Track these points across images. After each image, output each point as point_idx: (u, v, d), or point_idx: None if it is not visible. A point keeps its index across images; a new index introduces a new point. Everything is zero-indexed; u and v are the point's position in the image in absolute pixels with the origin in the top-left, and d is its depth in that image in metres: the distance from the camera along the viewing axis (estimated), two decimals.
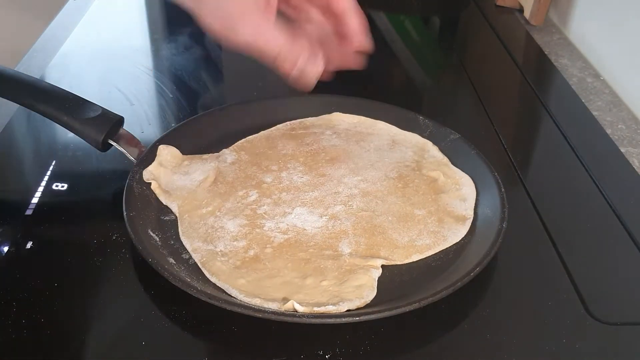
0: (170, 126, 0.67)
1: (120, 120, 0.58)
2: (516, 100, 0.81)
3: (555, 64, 0.86)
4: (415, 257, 0.51)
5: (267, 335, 0.44)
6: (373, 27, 1.01)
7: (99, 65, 0.81)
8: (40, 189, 0.57)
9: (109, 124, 0.57)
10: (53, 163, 0.60)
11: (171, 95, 0.74)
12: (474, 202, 0.56)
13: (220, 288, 0.46)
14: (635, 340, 0.46)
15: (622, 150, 0.68)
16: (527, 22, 0.98)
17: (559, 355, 0.44)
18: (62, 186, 0.57)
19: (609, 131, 0.71)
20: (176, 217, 0.53)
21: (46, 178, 0.58)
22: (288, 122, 0.66)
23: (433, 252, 0.51)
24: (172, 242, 0.51)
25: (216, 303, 0.43)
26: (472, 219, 0.54)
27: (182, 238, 0.51)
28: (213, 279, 0.47)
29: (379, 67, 0.89)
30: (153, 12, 1.03)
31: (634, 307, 0.49)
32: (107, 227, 0.52)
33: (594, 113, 0.74)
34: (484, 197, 0.56)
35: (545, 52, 0.89)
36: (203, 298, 0.43)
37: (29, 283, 0.47)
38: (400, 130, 0.66)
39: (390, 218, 0.54)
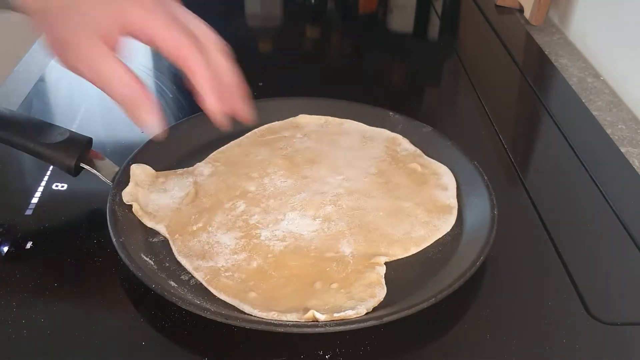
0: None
1: (89, 142, 0.55)
2: (516, 100, 0.81)
3: (555, 64, 0.86)
4: (414, 250, 0.51)
5: (267, 335, 0.44)
6: (372, 26, 1.01)
7: None
8: (40, 189, 0.57)
9: (80, 147, 0.54)
10: None
11: (171, 95, 0.74)
12: (455, 190, 0.57)
13: (230, 305, 0.45)
14: (635, 340, 0.46)
15: (622, 150, 0.68)
16: (527, 22, 0.98)
17: (559, 355, 0.44)
18: (62, 186, 0.57)
19: (609, 131, 0.71)
20: (164, 238, 0.51)
21: (46, 178, 0.58)
22: (255, 129, 0.65)
23: (429, 243, 0.52)
24: (168, 265, 0.49)
25: (235, 323, 0.43)
26: (457, 206, 0.55)
27: (179, 258, 0.49)
28: (222, 296, 0.46)
29: (379, 67, 0.89)
30: None
31: (634, 307, 0.49)
32: (107, 227, 0.52)
33: (594, 113, 0.74)
34: (466, 186, 0.57)
35: (545, 52, 0.89)
36: (219, 319, 0.43)
37: (29, 283, 0.47)
38: (369, 127, 0.66)
39: (381, 214, 0.54)
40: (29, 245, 0.51)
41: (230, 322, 0.43)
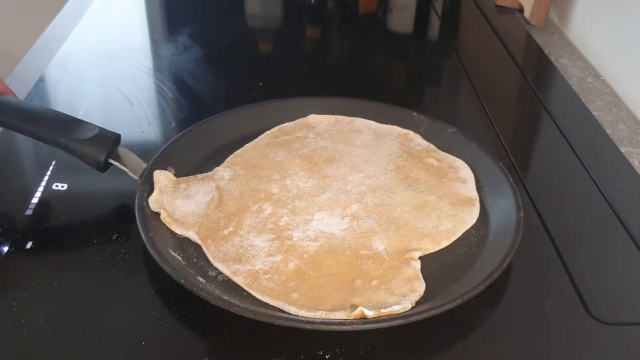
0: (170, 126, 0.67)
1: (117, 138, 0.56)
2: (516, 100, 0.81)
3: (555, 64, 0.86)
4: (445, 243, 0.52)
5: (267, 335, 0.44)
6: (372, 26, 1.01)
7: (99, 65, 0.81)
8: (40, 189, 0.57)
9: (109, 143, 0.54)
10: (53, 163, 0.60)
11: (171, 95, 0.74)
12: (474, 182, 0.58)
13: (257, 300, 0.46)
14: (635, 340, 0.46)
15: (622, 150, 0.68)
16: (527, 22, 0.98)
17: (559, 355, 0.44)
18: (62, 186, 0.57)
19: (609, 131, 0.71)
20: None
21: (46, 178, 0.58)
22: (268, 131, 0.65)
23: (457, 236, 0.53)
24: (195, 260, 0.49)
25: (263, 319, 0.43)
26: (478, 198, 0.56)
27: (216, 264, 0.49)
28: (265, 299, 0.46)
29: (379, 67, 0.89)
30: (153, 12, 1.03)
31: (634, 307, 0.49)
32: (107, 227, 0.52)
33: (594, 113, 0.74)
34: (492, 188, 0.57)
35: (545, 52, 0.89)
36: (247, 315, 0.43)
37: (29, 283, 0.47)
38: (379, 124, 0.66)
39: (407, 208, 0.55)
40: (29, 245, 0.51)
41: (258, 319, 0.43)
